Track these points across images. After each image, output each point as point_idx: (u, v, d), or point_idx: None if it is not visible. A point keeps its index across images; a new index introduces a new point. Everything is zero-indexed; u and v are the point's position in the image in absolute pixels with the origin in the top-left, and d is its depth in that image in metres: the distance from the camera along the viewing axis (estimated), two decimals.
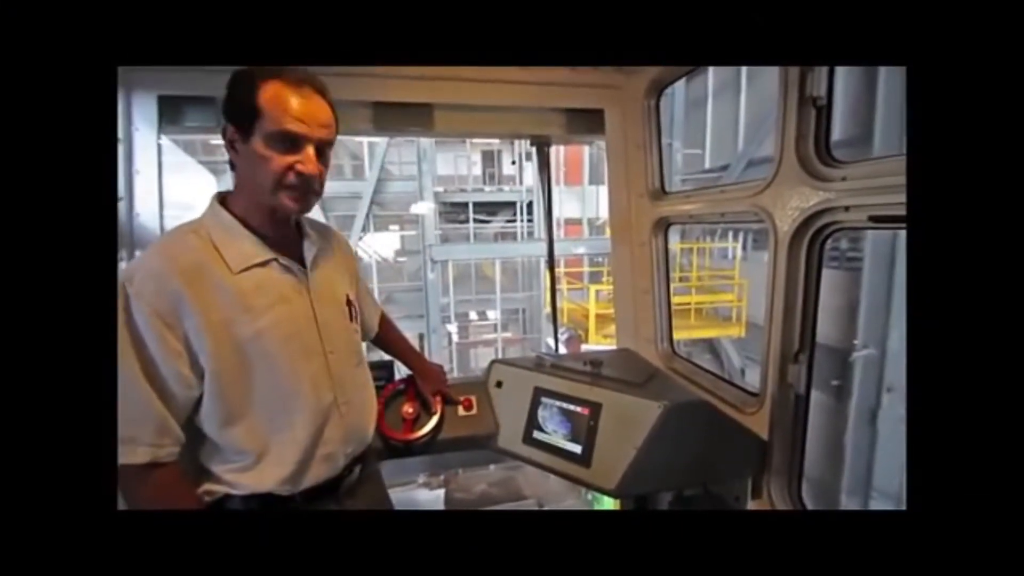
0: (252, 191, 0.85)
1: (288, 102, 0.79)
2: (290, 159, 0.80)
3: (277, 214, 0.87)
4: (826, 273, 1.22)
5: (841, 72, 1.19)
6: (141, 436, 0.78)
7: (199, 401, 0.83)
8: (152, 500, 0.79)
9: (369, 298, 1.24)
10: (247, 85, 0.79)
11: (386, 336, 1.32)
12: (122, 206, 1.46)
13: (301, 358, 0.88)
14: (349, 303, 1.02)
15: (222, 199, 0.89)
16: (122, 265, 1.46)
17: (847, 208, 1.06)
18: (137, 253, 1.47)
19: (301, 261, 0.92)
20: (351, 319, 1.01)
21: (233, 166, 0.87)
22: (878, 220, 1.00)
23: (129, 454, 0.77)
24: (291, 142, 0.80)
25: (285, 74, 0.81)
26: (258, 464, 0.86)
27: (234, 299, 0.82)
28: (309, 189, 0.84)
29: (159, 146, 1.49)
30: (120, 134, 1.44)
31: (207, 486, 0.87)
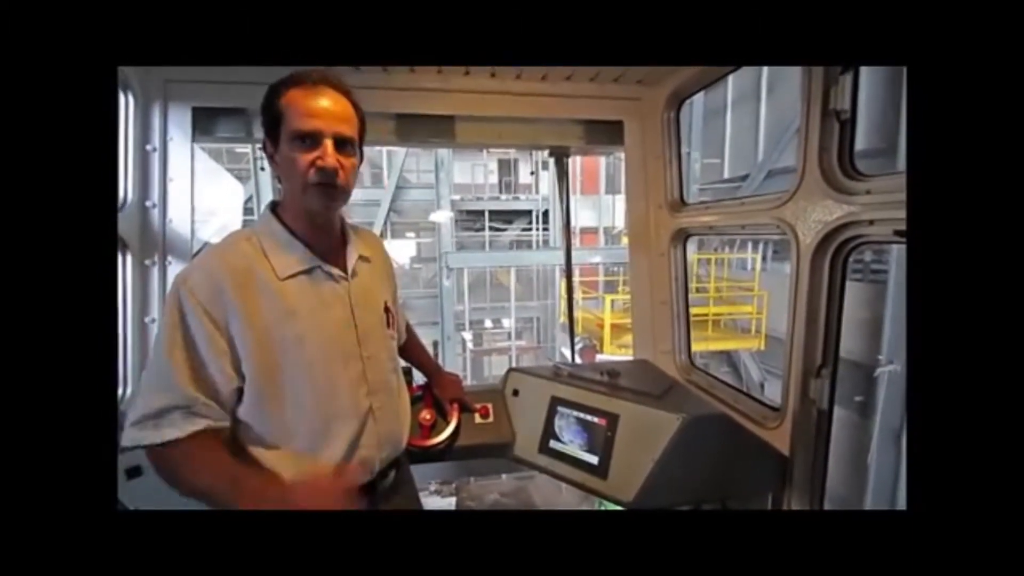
0: (290, 196, 0.88)
1: (304, 102, 0.82)
2: (311, 156, 0.82)
3: (316, 219, 0.89)
4: (850, 286, 1.20)
5: (865, 83, 1.18)
6: (178, 417, 0.80)
7: (238, 401, 0.86)
8: (196, 468, 0.79)
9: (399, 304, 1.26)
10: (272, 95, 0.84)
11: (407, 342, 1.34)
12: (155, 212, 1.52)
13: (340, 363, 0.91)
14: (387, 309, 1.04)
15: (274, 208, 0.92)
16: (153, 269, 1.52)
17: (871, 222, 1.05)
18: (169, 257, 1.53)
19: (344, 268, 0.95)
20: (388, 325, 1.03)
21: (279, 179, 0.90)
22: (904, 235, 0.98)
23: (167, 432, 0.79)
24: (311, 140, 0.82)
25: (306, 80, 0.83)
26: (296, 465, 0.87)
27: (279, 305, 0.85)
28: (332, 184, 0.84)
29: (192, 155, 1.55)
30: (156, 143, 1.50)
31: None
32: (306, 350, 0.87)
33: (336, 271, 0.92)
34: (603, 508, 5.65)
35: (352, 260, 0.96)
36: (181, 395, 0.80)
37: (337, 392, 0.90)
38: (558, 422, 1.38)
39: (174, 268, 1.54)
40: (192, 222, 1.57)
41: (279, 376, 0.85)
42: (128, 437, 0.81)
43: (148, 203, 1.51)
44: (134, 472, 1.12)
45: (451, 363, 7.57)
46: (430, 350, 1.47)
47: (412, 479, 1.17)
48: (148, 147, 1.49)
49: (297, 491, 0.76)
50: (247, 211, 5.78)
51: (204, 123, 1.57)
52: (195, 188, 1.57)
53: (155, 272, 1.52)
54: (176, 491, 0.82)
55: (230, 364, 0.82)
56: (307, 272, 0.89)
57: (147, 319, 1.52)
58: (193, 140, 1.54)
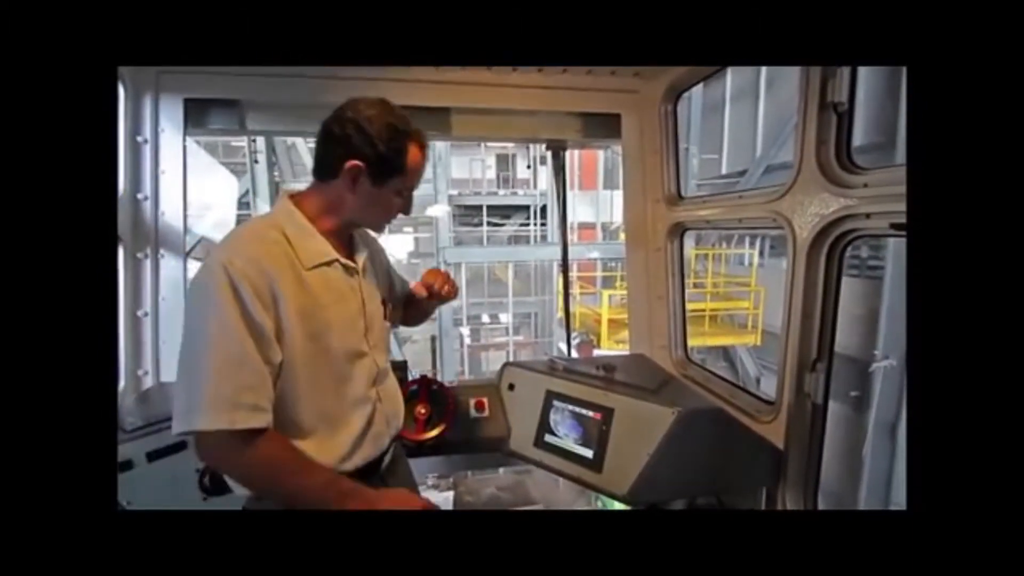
0: (351, 212, 0.96)
1: (420, 167, 0.97)
2: (403, 201, 0.99)
3: (353, 227, 1.01)
4: (846, 281, 1.19)
5: (864, 77, 1.18)
6: (260, 402, 0.83)
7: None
8: (269, 461, 0.84)
9: (397, 276, 1.27)
10: (401, 146, 0.91)
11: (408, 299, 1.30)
12: (147, 205, 1.50)
13: (355, 351, 0.99)
14: (383, 302, 1.11)
15: (292, 198, 0.97)
16: (146, 262, 1.50)
17: (868, 215, 1.04)
18: (162, 250, 1.51)
19: (353, 262, 1.02)
20: (385, 316, 1.11)
21: (322, 178, 0.94)
22: (900, 228, 0.98)
23: (253, 419, 0.82)
24: (409, 191, 0.99)
25: (417, 137, 0.95)
26: (319, 445, 0.93)
27: (308, 293, 0.90)
28: None
29: (184, 147, 1.53)
30: (147, 135, 1.48)
31: None
32: (331, 338, 0.93)
33: (352, 265, 1.00)
34: (600, 502, 5.68)
35: (361, 256, 1.04)
36: (254, 368, 0.81)
37: (353, 378, 0.98)
38: (553, 416, 1.38)
39: (167, 261, 1.53)
40: (185, 215, 1.55)
41: (312, 361, 0.90)
42: (188, 421, 0.80)
43: (140, 196, 1.49)
44: (125, 466, 1.11)
45: (449, 358, 7.57)
46: (428, 346, 1.48)
47: (404, 455, 1.24)
48: (139, 139, 1.48)
49: (388, 496, 0.89)
50: (242, 205, 5.75)
51: (196, 115, 1.56)
52: (189, 182, 1.55)
53: (147, 265, 1.50)
54: (239, 482, 0.88)
55: (276, 346, 0.85)
56: (328, 264, 0.94)
57: (139, 312, 1.51)
58: (185, 132, 1.52)
